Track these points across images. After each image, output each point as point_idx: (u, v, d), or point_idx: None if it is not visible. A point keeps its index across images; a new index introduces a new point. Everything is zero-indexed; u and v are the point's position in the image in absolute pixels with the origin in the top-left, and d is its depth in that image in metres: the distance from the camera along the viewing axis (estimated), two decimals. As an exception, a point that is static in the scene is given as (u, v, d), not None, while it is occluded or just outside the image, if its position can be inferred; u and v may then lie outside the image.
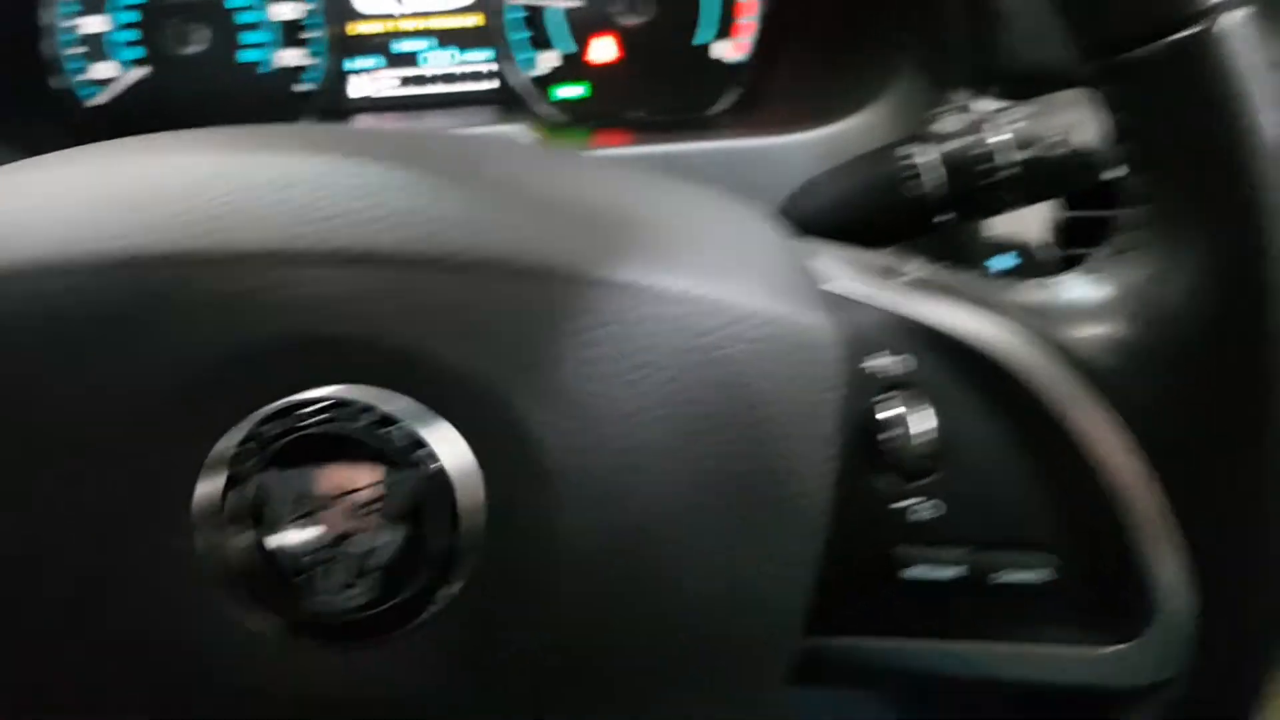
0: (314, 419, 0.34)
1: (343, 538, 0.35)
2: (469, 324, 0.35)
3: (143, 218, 0.36)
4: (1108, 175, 0.51)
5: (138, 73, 0.84)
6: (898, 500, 0.39)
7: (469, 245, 0.36)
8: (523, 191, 0.38)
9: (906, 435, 0.39)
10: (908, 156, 0.53)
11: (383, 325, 0.35)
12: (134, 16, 0.83)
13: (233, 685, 0.36)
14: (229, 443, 0.34)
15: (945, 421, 0.39)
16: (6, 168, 0.39)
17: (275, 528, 0.34)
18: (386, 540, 0.35)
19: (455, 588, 0.35)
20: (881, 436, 0.39)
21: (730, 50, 0.85)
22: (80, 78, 0.84)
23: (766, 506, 0.37)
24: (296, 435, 0.34)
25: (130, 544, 0.35)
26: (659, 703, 0.37)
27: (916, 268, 0.41)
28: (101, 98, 0.84)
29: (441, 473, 0.35)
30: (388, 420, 0.35)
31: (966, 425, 0.39)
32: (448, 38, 0.86)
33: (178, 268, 0.35)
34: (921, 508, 0.39)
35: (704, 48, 0.84)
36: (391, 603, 0.35)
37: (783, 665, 0.39)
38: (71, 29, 0.83)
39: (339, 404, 0.34)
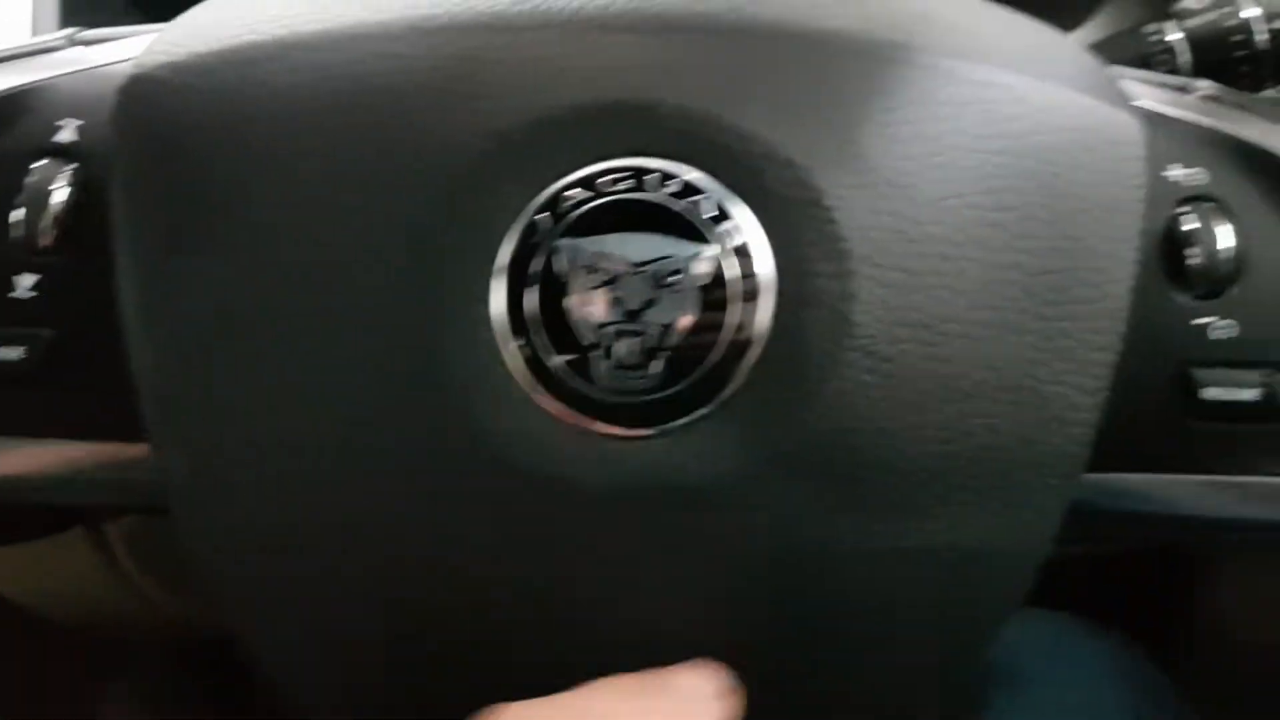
0: (617, 186, 0.34)
1: (639, 310, 0.34)
2: (777, 95, 0.34)
3: None
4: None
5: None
6: (1196, 317, 0.37)
7: (780, 17, 0.35)
8: None
9: (1209, 248, 0.37)
10: (1158, 33, 0.51)
11: (691, 93, 0.34)
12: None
13: (500, 461, 0.34)
14: (532, 206, 0.34)
15: (1245, 237, 0.37)
16: None
17: (572, 292, 0.34)
18: (683, 315, 0.34)
19: (746, 370, 0.34)
20: (1184, 250, 0.37)
21: None
22: None
23: (1067, 306, 0.35)
24: (599, 202, 0.34)
25: (429, 311, 0.34)
26: (938, 509, 0.36)
27: (1209, 86, 0.40)
28: None
29: (745, 247, 0.34)
30: (692, 190, 0.34)
31: (1268, 240, 0.37)
32: None
33: (491, 33, 0.35)
34: (1220, 325, 0.37)
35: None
36: (684, 383, 0.34)
37: (1068, 488, 0.37)
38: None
39: (642, 171, 0.34)
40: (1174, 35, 0.51)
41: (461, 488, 0.34)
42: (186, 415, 0.36)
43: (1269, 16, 0.50)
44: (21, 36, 0.68)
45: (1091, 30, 0.69)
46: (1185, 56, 0.51)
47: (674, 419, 0.34)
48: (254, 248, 0.35)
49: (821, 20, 0.35)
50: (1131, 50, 0.52)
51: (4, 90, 0.38)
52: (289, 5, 0.37)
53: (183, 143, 0.35)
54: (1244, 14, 0.50)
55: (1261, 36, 0.50)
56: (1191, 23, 0.51)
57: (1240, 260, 0.37)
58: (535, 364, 0.34)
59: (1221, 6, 0.50)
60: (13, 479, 0.38)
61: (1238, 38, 0.50)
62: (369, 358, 0.34)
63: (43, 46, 0.40)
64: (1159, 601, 0.72)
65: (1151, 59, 0.51)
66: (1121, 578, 0.74)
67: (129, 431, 0.38)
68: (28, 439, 0.38)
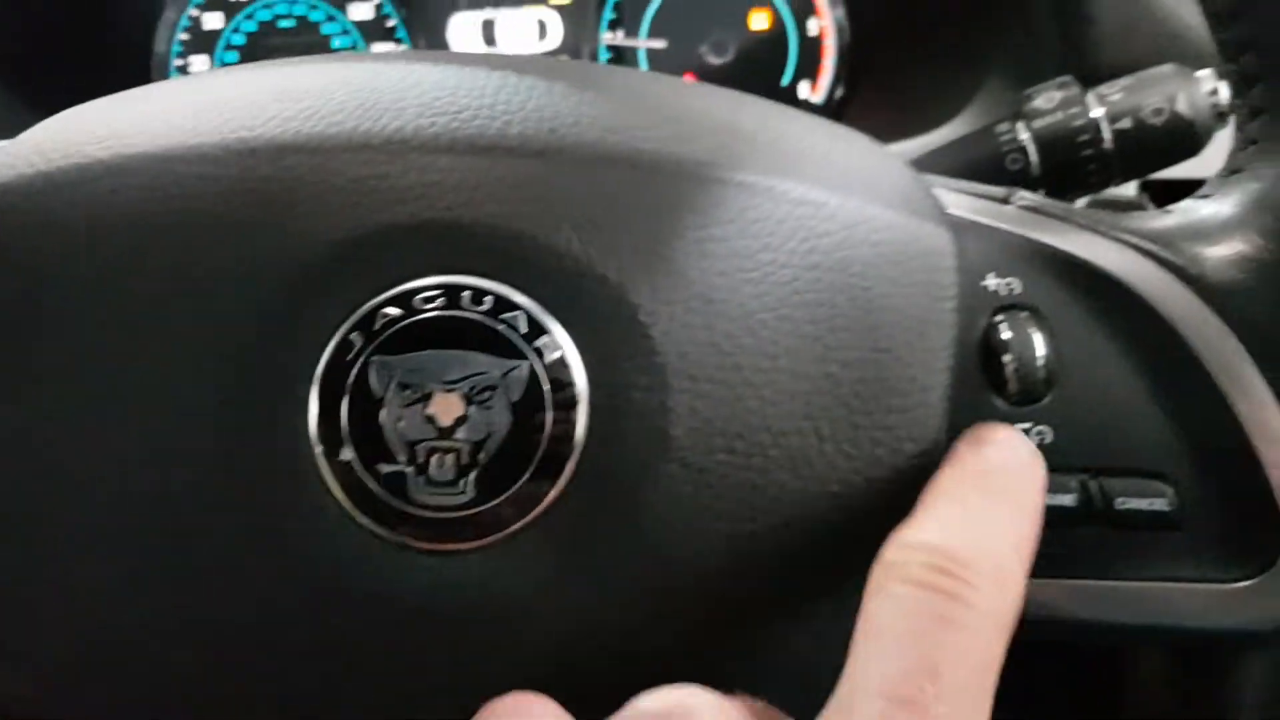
0: (430, 304, 0.34)
1: (452, 427, 0.34)
2: (591, 214, 0.35)
3: (272, 110, 0.36)
4: (1208, 143, 0.51)
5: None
6: (1014, 422, 0.38)
7: (597, 139, 0.36)
8: (650, 99, 0.39)
9: (1022, 356, 0.38)
10: (1009, 133, 0.53)
11: (505, 214, 0.35)
12: (235, 58, 0.86)
13: (318, 579, 0.35)
14: (346, 325, 0.34)
15: (1059, 345, 0.38)
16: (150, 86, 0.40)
17: (383, 409, 0.34)
18: (497, 430, 0.34)
19: (563, 483, 0.34)
20: (1000, 358, 0.38)
21: (811, 91, 0.86)
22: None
23: (881, 415, 0.36)
24: (412, 319, 0.34)
25: (244, 428, 0.35)
26: (752, 617, 0.36)
27: (1028, 197, 0.41)
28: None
29: (561, 362, 0.34)
30: (505, 306, 0.34)
31: (1081, 348, 0.38)
32: (535, 80, 0.88)
33: (304, 154, 0.35)
34: (1036, 432, 0.38)
35: (791, 88, 0.86)
36: (500, 498, 0.34)
37: None
38: (181, 69, 0.86)
39: (457, 289, 0.34)
40: (1024, 134, 0.53)
41: (279, 604, 0.35)
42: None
43: (1112, 117, 0.51)
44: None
45: (958, 126, 0.71)
46: (1035, 156, 0.52)
47: (489, 534, 0.34)
48: (78, 376, 0.35)
49: (637, 141, 0.36)
50: (987, 148, 0.54)
51: None
52: (116, 127, 0.37)
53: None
54: (1091, 114, 0.52)
55: (1107, 136, 0.51)
56: (1038, 123, 0.53)
57: (1053, 368, 0.38)
58: (350, 479, 0.34)
59: (1069, 107, 0.52)
60: None
61: (1084, 138, 0.51)
62: (168, 470, 0.35)
63: None
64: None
65: (1004, 158, 0.53)
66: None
67: None
68: None
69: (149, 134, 0.37)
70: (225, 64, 0.86)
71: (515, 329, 0.34)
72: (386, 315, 0.34)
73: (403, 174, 0.35)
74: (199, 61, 0.86)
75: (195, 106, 0.38)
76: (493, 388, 0.34)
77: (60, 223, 0.36)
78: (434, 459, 0.34)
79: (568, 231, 0.35)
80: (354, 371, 0.34)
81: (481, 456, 0.34)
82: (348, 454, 0.34)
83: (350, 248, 0.35)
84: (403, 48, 0.86)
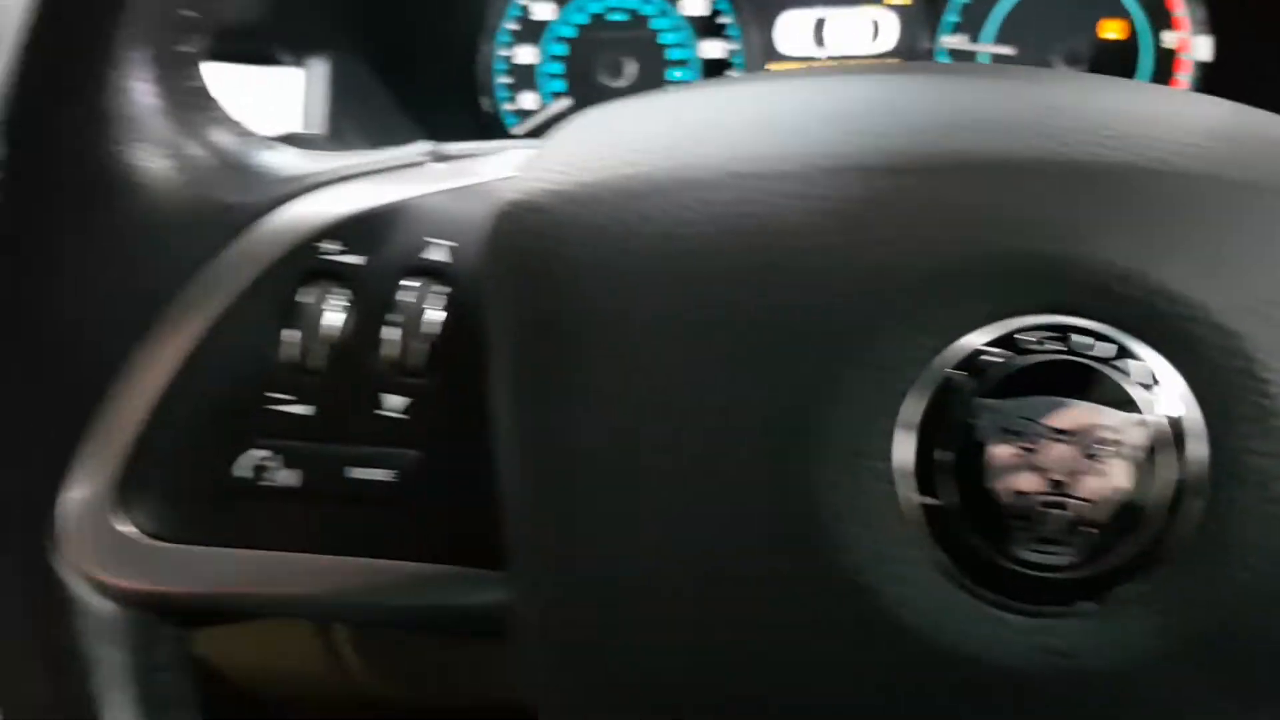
0: (1038, 345, 0.32)
1: (1064, 481, 0.31)
2: (1200, 249, 0.32)
3: (851, 127, 0.34)
4: None
5: (560, 104, 0.86)
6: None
7: (1196, 166, 0.33)
8: (1190, 116, 0.36)
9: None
10: None
11: (1114, 245, 0.32)
12: (563, 50, 0.85)
13: (900, 633, 0.32)
14: (946, 360, 0.32)
15: None
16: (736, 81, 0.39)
17: (987, 456, 0.31)
18: (1111, 488, 0.31)
19: (1175, 548, 0.31)
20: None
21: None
22: (507, 106, 0.86)
23: None
24: (1018, 361, 0.32)
25: (812, 457, 0.32)
26: None
27: None
28: (522, 127, 0.86)
29: (1178, 421, 0.31)
30: (1124, 353, 0.31)
31: None
32: (864, 83, 0.85)
33: (899, 175, 0.33)
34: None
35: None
36: (1110, 562, 0.31)
37: None
38: (505, 59, 0.86)
39: (1069, 330, 0.32)
40: None
41: (830, 642, 0.33)
42: (552, 550, 0.34)
43: None
44: (293, 123, 0.69)
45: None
46: None
47: (1095, 599, 0.31)
48: (632, 388, 0.34)
49: (1223, 166, 0.33)
50: None
51: (377, 206, 0.37)
52: (674, 137, 0.36)
53: (561, 274, 0.34)
54: None
55: None
56: None
57: None
58: (945, 528, 0.32)
59: None
60: (359, 601, 0.37)
61: None
62: (745, 502, 0.33)
63: (403, 161, 0.39)
64: None
65: None
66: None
67: (482, 558, 0.37)
68: (383, 560, 0.37)
69: (712, 146, 0.35)
70: (553, 55, 0.85)
71: (1133, 378, 0.31)
72: (990, 354, 0.32)
73: (1001, 199, 0.33)
74: (525, 53, 0.85)
75: (757, 121, 0.36)
76: (1108, 441, 0.31)
77: (619, 239, 0.34)
78: (1042, 514, 0.31)
79: (1179, 269, 0.32)
80: (955, 413, 0.32)
81: (1094, 514, 0.31)
82: (944, 501, 0.32)
83: (944, 278, 0.32)
84: (732, 44, 0.84)
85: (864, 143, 0.34)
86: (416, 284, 0.37)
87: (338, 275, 0.37)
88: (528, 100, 0.86)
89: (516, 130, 0.86)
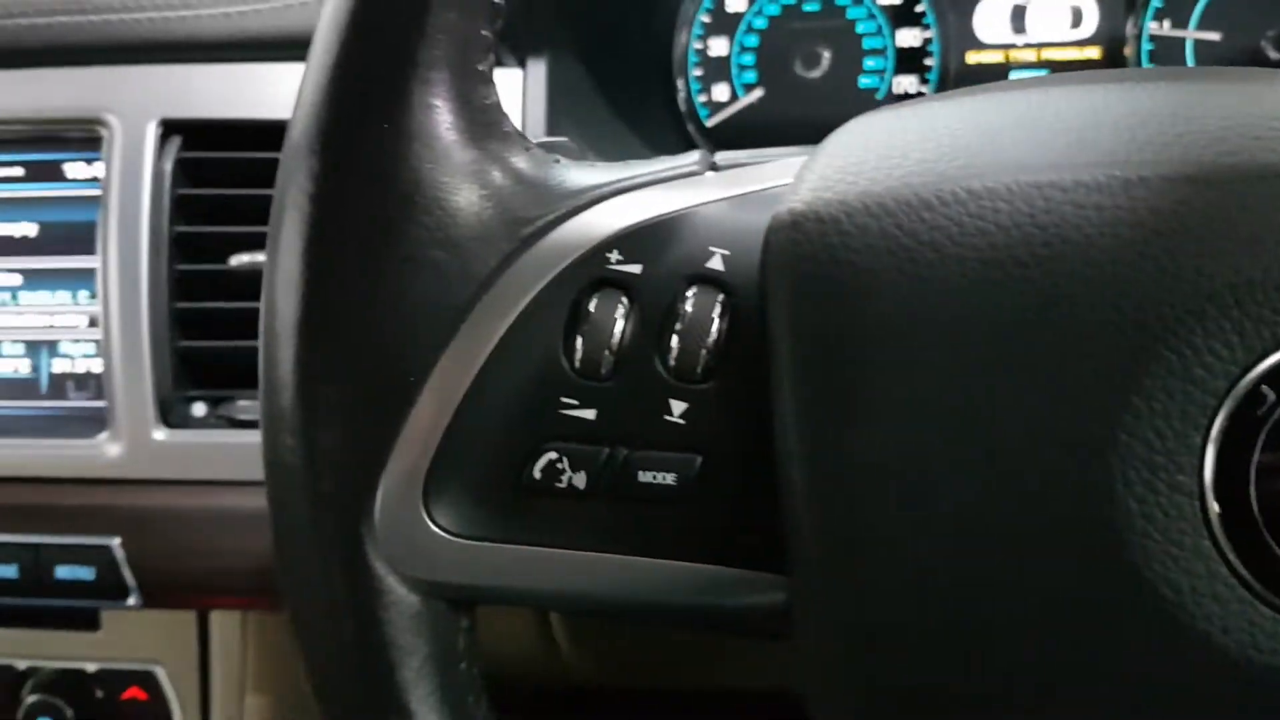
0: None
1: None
2: None
3: (1142, 137, 0.34)
4: None
5: (753, 96, 0.86)
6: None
7: None
8: None
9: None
10: None
11: None
12: (754, 41, 0.85)
13: (1204, 647, 0.32)
14: (1250, 373, 0.32)
15: None
16: (1009, 87, 0.39)
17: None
18: None
19: None
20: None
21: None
22: (700, 98, 0.87)
23: None
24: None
25: (1113, 468, 0.32)
26: None
27: None
28: (715, 118, 0.87)
29: None
30: None
31: None
32: (1063, 70, 0.83)
33: (1200, 186, 0.33)
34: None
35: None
36: None
37: None
38: (698, 50, 0.86)
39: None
40: None
41: (1125, 649, 0.33)
42: (836, 558, 0.35)
43: None
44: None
45: None
46: None
47: None
48: (923, 399, 0.34)
49: None
50: None
51: (658, 216, 0.38)
52: (955, 146, 0.36)
53: (847, 285, 0.35)
54: None
55: None
56: None
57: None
58: (1250, 542, 0.32)
59: None
60: (643, 600, 0.39)
61: None
62: (1044, 513, 0.33)
63: (680, 171, 0.40)
64: None
65: None
66: None
67: (760, 560, 0.38)
68: (666, 561, 0.38)
69: (997, 156, 0.35)
70: (745, 46, 0.86)
71: None
72: None
73: None
74: (718, 44, 0.86)
75: (1041, 128, 0.36)
76: None
77: (910, 251, 0.35)
78: None
79: None
80: (1265, 428, 0.32)
81: None
82: (1246, 512, 0.32)
83: (1258, 290, 0.32)
84: (929, 32, 0.84)
85: (1161, 152, 0.34)
86: (696, 292, 0.38)
87: (622, 284, 0.38)
88: (720, 92, 0.86)
89: (711, 121, 0.87)
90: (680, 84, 0.87)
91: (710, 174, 0.40)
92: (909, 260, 0.34)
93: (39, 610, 0.74)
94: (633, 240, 0.38)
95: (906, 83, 0.84)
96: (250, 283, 0.68)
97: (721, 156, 0.41)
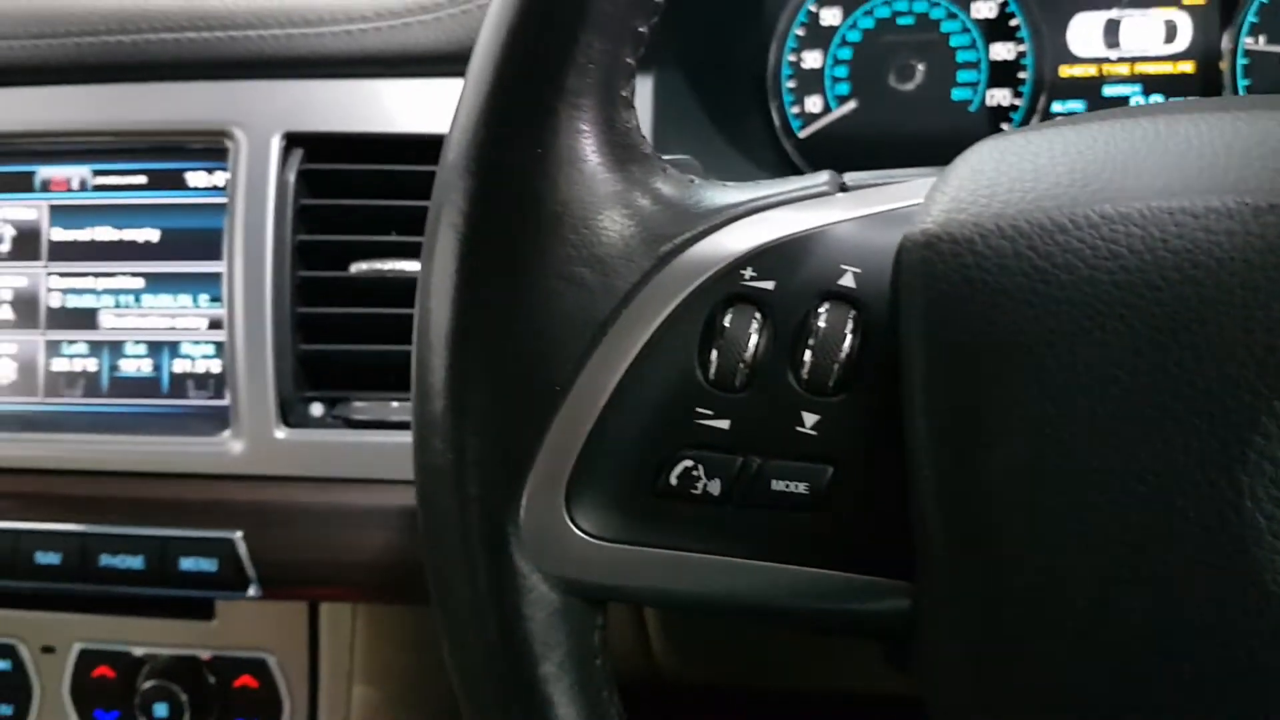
0: None
1: None
2: None
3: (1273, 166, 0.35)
4: None
5: (845, 108, 0.88)
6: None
7: None
8: None
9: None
10: None
11: None
12: (848, 54, 0.87)
13: None
14: None
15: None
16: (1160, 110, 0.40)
17: None
18: None
19: None
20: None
21: None
22: (793, 110, 0.88)
23: None
24: None
25: (1256, 488, 0.34)
26: None
27: None
28: (808, 130, 0.88)
29: None
30: None
31: None
32: (1156, 85, 0.84)
33: None
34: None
35: None
36: None
37: None
38: (792, 63, 0.88)
39: None
40: None
41: (1262, 666, 0.34)
42: (967, 568, 0.37)
43: None
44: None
45: None
46: None
47: None
48: (1054, 417, 0.35)
49: None
50: None
51: (791, 234, 0.40)
52: (1087, 171, 0.37)
53: (979, 305, 0.36)
54: None
55: None
56: None
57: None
58: None
59: None
60: (773, 604, 0.41)
61: None
62: (1176, 527, 0.34)
63: (811, 191, 0.42)
64: None
65: None
66: None
67: (889, 567, 0.39)
68: (796, 566, 0.40)
69: (1130, 181, 0.37)
70: (838, 59, 0.87)
71: None
72: None
73: None
74: (812, 57, 0.88)
75: (1173, 154, 0.37)
76: None
77: (1043, 274, 0.36)
78: None
79: None
80: None
81: None
82: None
83: None
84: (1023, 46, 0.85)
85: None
86: (829, 308, 0.40)
87: (756, 300, 0.40)
88: (813, 104, 0.88)
89: (803, 132, 0.88)
90: (774, 97, 0.88)
91: (840, 194, 0.42)
92: (1042, 281, 0.36)
93: (158, 600, 0.78)
94: (767, 258, 0.40)
95: (1000, 95, 0.85)
96: (369, 290, 0.71)
97: (851, 177, 0.43)
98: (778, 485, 0.40)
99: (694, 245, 0.41)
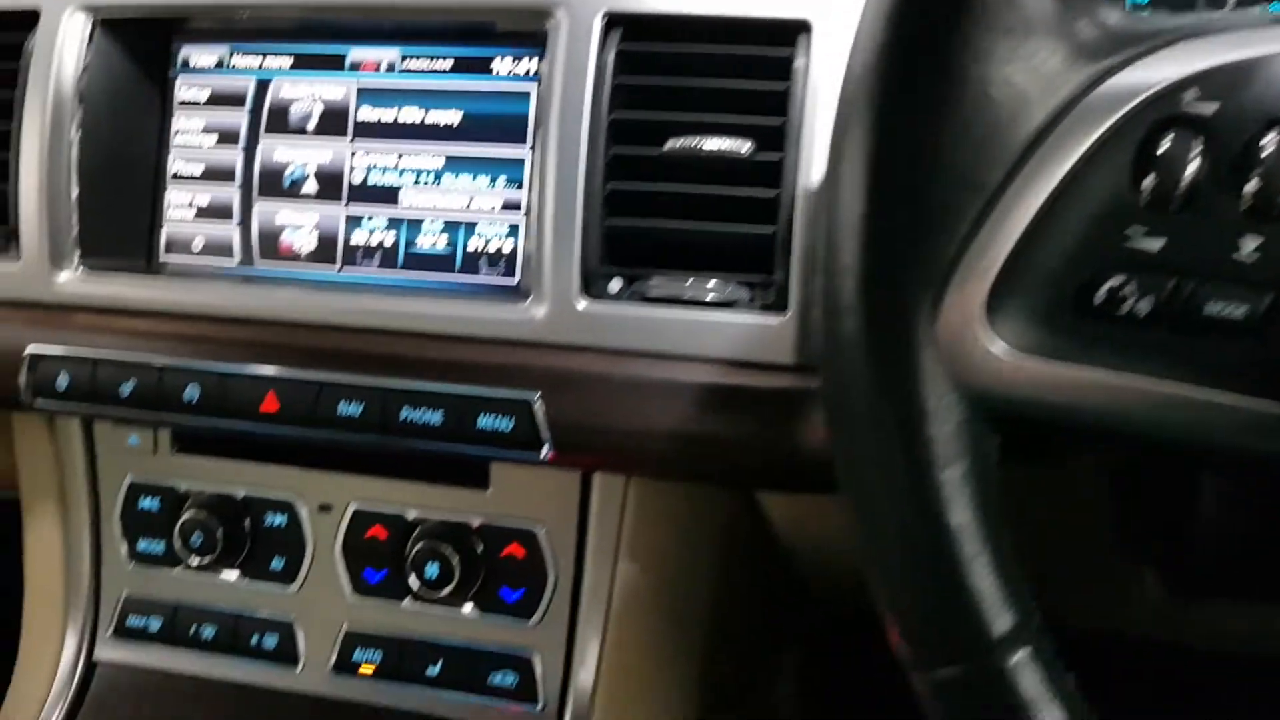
0: None
1: None
2: None
3: None
4: None
5: None
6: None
7: None
8: None
9: None
10: None
11: None
12: None
13: None
14: None
15: None
16: None
17: None
18: None
19: None
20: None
21: None
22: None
23: None
24: None
25: None
26: None
27: None
28: None
29: None
30: None
31: None
32: None
33: None
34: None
35: None
36: None
37: None
38: None
39: None
40: None
41: None
42: None
43: None
44: None
45: None
46: None
47: None
48: None
49: None
50: None
51: (1238, 59, 0.41)
52: None
53: None
54: None
55: None
56: None
57: None
58: None
59: None
60: (1181, 433, 0.41)
61: None
62: None
63: (1256, 21, 0.42)
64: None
65: None
66: None
67: None
68: (1217, 393, 0.40)
69: None
70: None
71: None
72: None
73: None
74: None
75: None
76: None
77: None
78: None
79: None
80: None
81: None
82: None
83: None
84: None
85: None
86: (1278, 134, 0.40)
87: (1195, 123, 0.41)
88: None
89: None
90: None
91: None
92: None
93: (437, 465, 0.81)
94: (1214, 79, 0.41)
95: None
96: (681, 167, 0.73)
97: None
98: (1212, 308, 0.40)
99: (1130, 65, 0.42)
